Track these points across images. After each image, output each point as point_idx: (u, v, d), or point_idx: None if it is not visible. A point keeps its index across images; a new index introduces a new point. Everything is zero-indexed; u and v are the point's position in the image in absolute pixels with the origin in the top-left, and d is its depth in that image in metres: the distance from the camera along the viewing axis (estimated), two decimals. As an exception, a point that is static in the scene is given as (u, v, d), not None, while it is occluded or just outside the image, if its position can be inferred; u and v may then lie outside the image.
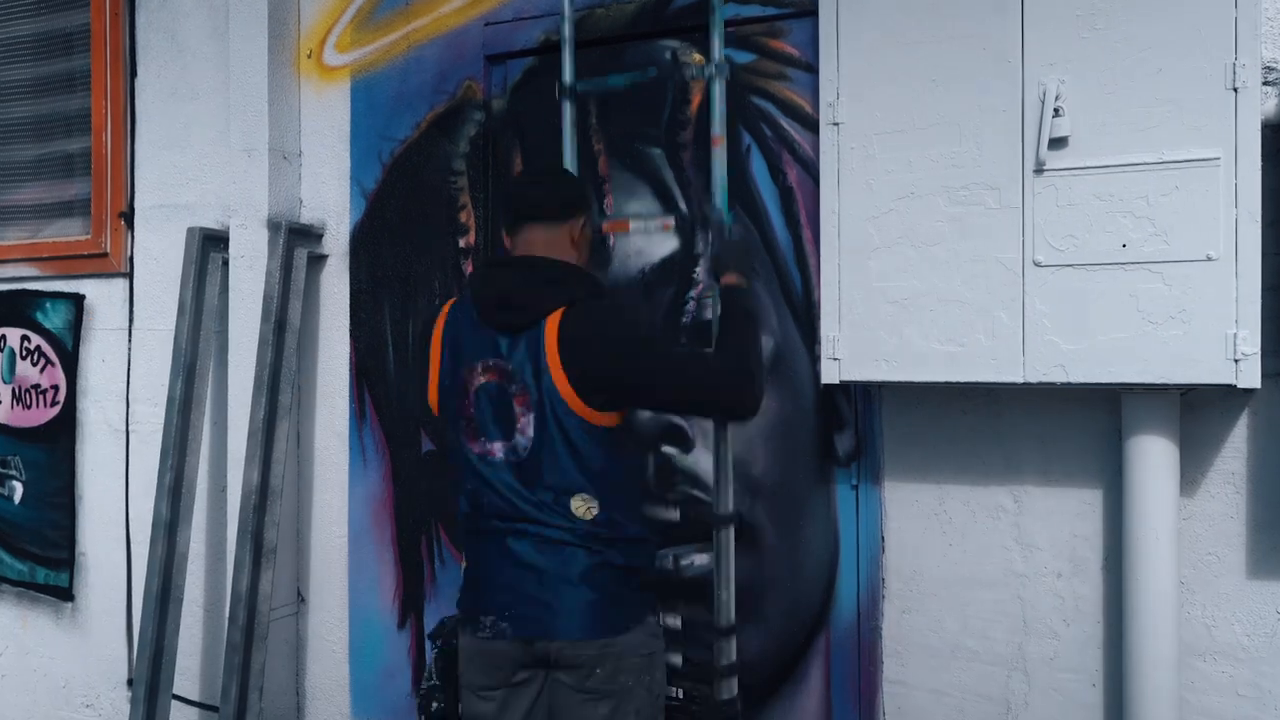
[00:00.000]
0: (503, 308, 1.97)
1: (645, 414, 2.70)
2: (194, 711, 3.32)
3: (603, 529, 1.98)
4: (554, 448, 1.95)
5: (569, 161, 2.55)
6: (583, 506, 1.97)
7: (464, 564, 2.13)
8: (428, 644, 2.05)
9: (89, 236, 3.56)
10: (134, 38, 3.49)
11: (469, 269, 2.94)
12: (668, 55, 2.71)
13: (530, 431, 1.94)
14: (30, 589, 3.69)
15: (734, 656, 2.35)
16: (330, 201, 3.17)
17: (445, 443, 2.07)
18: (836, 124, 2.29)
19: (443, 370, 2.06)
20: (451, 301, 2.13)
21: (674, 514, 2.69)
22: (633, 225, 2.65)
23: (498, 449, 1.99)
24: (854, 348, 2.27)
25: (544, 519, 1.97)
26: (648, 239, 2.73)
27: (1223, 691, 2.18)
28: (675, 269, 2.70)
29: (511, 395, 1.95)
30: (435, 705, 2.10)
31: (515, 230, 2.08)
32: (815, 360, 2.44)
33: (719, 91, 2.41)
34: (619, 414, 2.01)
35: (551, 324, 1.92)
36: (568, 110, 2.57)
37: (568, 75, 2.56)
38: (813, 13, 2.39)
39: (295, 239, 3.07)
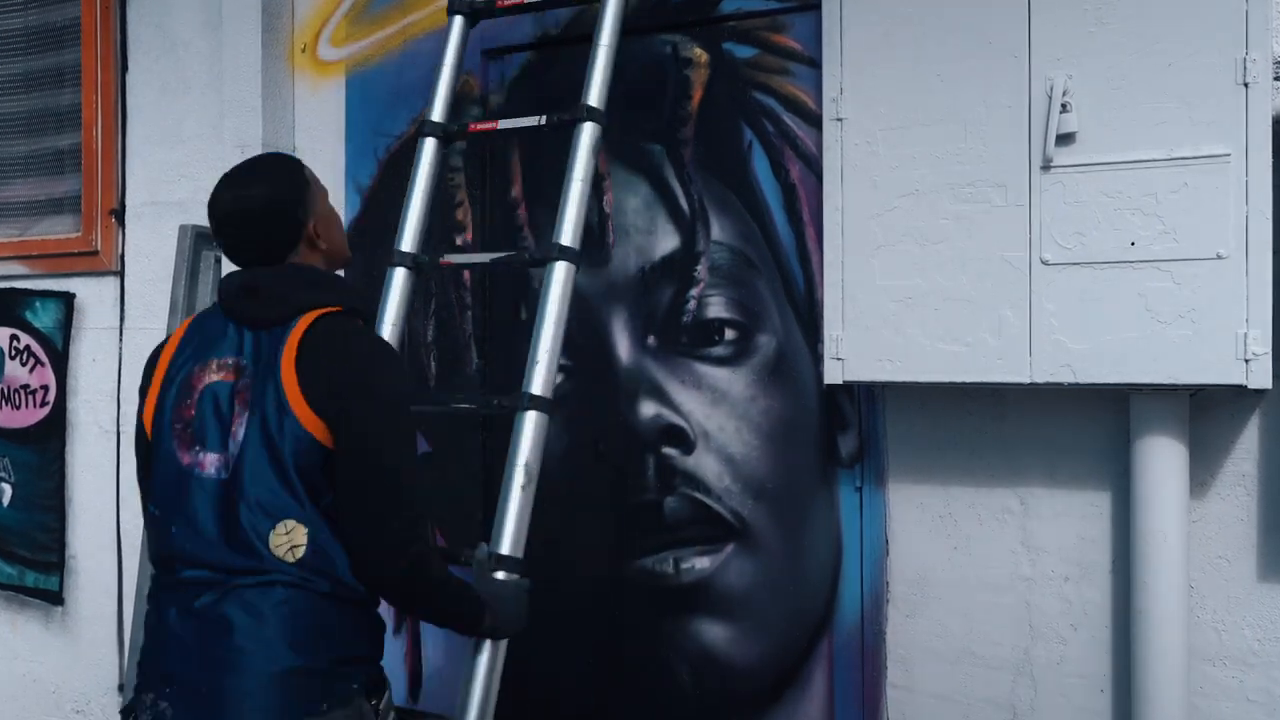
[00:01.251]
0: (249, 296, 1.73)
1: (646, 413, 2.70)
2: (186, 717, 3.32)
3: (310, 574, 1.61)
4: (263, 461, 1.63)
5: (418, 201, 2.29)
6: (284, 542, 1.61)
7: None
8: None
9: (79, 234, 3.56)
10: (125, 31, 3.48)
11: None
12: (668, 50, 2.72)
13: (240, 435, 1.64)
14: (19, 593, 3.69)
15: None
16: (325, 198, 3.17)
17: (141, 471, 1.81)
18: (840, 119, 2.29)
19: (166, 379, 1.75)
20: (193, 315, 1.92)
21: (674, 516, 2.69)
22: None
23: (210, 461, 1.66)
24: (857, 347, 2.27)
25: (238, 564, 1.61)
26: (648, 237, 2.74)
27: (1233, 697, 2.18)
28: (676, 268, 2.70)
29: (235, 393, 1.67)
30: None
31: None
32: (818, 360, 2.45)
33: (586, 137, 2.17)
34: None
35: (303, 323, 1.68)
36: (429, 149, 2.33)
37: (436, 114, 2.35)
38: (815, 6, 2.39)
39: (289, 237, 3.07)
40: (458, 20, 2.44)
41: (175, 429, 1.71)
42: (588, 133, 2.16)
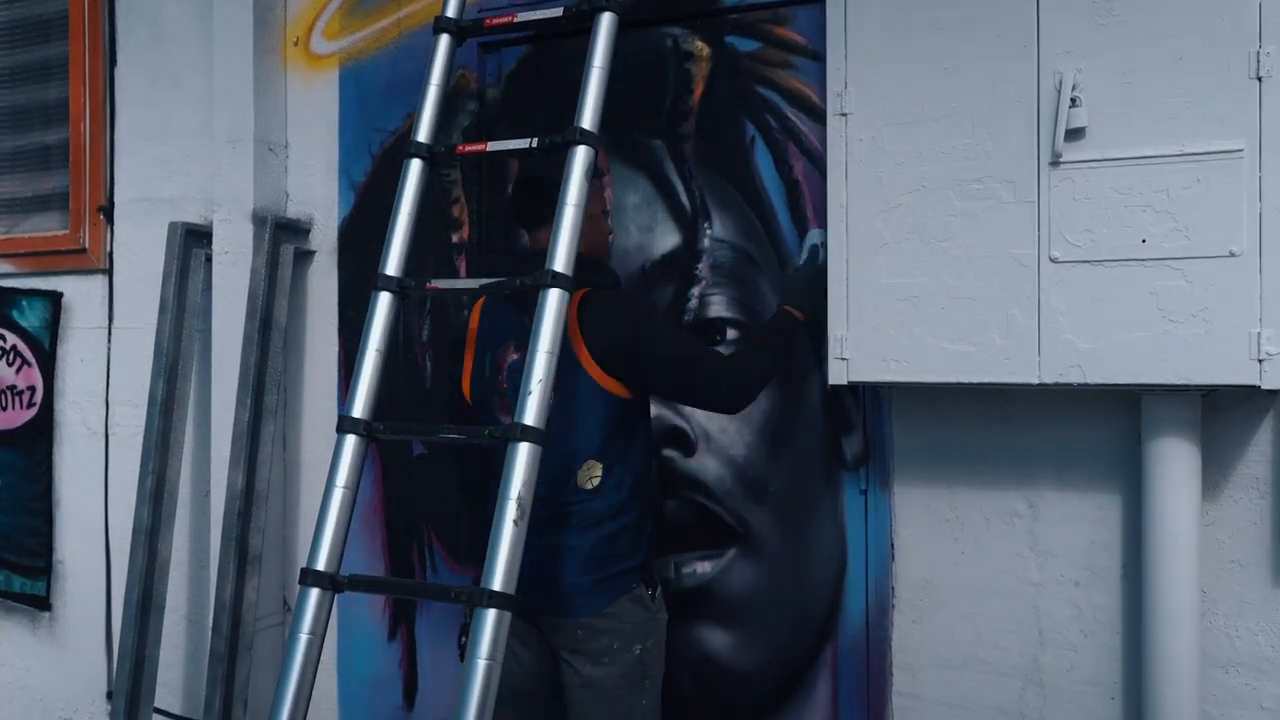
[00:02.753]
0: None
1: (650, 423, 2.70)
2: (176, 725, 3.32)
3: (598, 503, 2.22)
4: (568, 413, 2.20)
5: (403, 224, 2.29)
6: (586, 475, 2.23)
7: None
8: None
9: (67, 231, 3.56)
10: (114, 24, 3.49)
11: (462, 265, 2.94)
12: (669, 43, 2.72)
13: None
14: (6, 598, 3.69)
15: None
16: (318, 195, 3.17)
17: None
18: (844, 114, 2.29)
19: (476, 359, 2.33)
20: (482, 299, 2.41)
21: (675, 519, 2.69)
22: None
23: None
24: (862, 347, 2.27)
25: (546, 494, 2.18)
26: (648, 234, 2.74)
27: (1246, 704, 2.18)
28: (677, 266, 2.70)
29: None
30: None
31: (530, 229, 2.40)
32: (822, 360, 2.44)
33: (580, 161, 2.17)
34: (631, 389, 2.24)
35: (574, 301, 2.20)
36: (414, 170, 2.34)
37: (422, 135, 2.34)
38: (820, -1, 2.39)
39: (281, 234, 3.07)
40: (444, 39, 2.43)
41: (494, 401, 2.30)
42: (581, 156, 2.16)
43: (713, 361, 2.28)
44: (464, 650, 2.27)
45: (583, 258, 2.17)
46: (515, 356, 2.29)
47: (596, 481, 2.24)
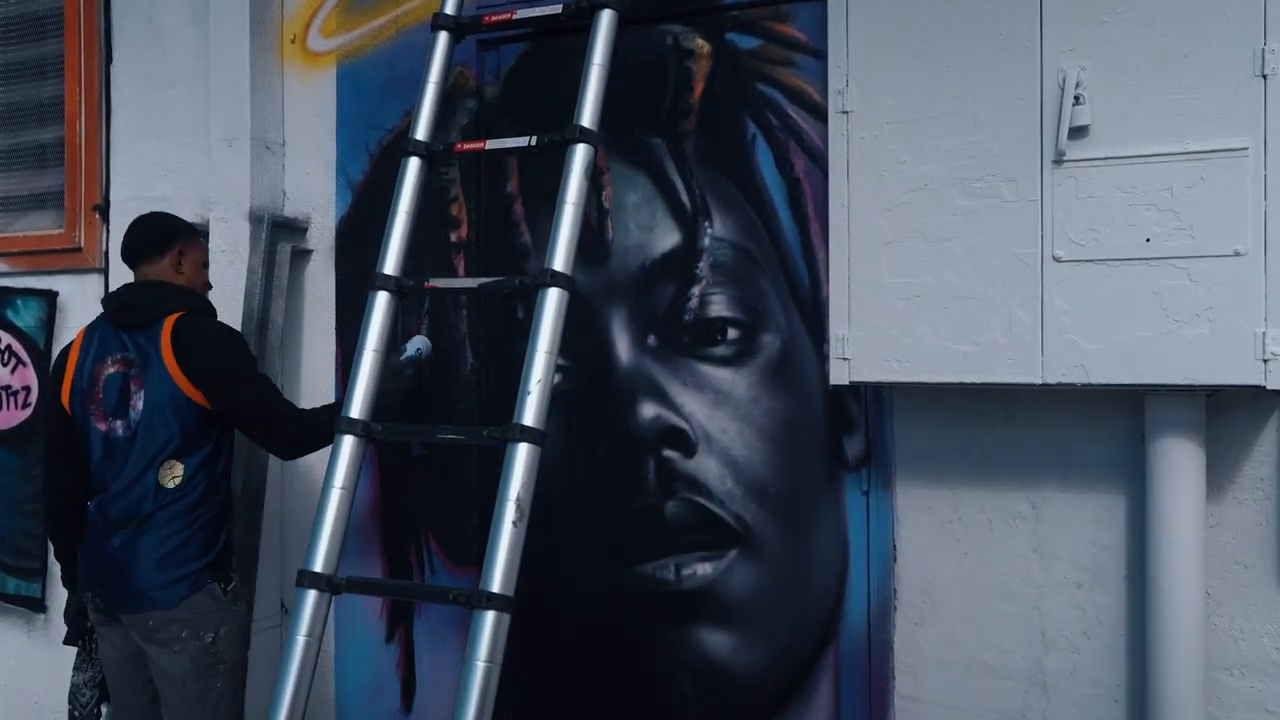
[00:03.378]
0: (128, 311, 2.58)
1: (646, 415, 2.70)
2: (172, 728, 3.32)
3: (176, 505, 2.49)
4: (155, 417, 2.50)
5: (401, 222, 2.33)
6: (168, 475, 2.49)
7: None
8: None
9: (62, 230, 3.56)
10: (109, 21, 3.49)
11: (461, 264, 2.94)
12: (669, 40, 2.72)
13: (140, 406, 2.51)
14: (1, 600, 3.69)
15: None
16: (315, 194, 3.17)
17: (56, 436, 2.68)
18: (846, 112, 2.29)
19: (77, 372, 2.61)
20: (87, 326, 2.69)
21: (675, 521, 2.69)
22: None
23: (119, 426, 2.53)
24: (864, 347, 2.27)
25: (124, 497, 2.51)
26: (648, 233, 2.74)
27: (1251, 707, 2.18)
28: (677, 265, 2.70)
29: (130, 378, 2.53)
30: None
31: (132, 266, 2.69)
32: (823, 360, 2.45)
33: (579, 159, 2.20)
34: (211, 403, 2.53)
35: (168, 323, 2.53)
36: (413, 169, 2.35)
37: (421, 133, 2.37)
38: (821, -5, 2.39)
39: (278, 233, 3.08)
40: (442, 36, 2.44)
41: (90, 409, 2.57)
42: (580, 154, 2.16)
43: (286, 405, 2.58)
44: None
45: (183, 289, 2.61)
46: (112, 370, 2.55)
47: (177, 481, 2.49)
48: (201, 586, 2.50)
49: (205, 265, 2.80)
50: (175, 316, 2.55)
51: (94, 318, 2.71)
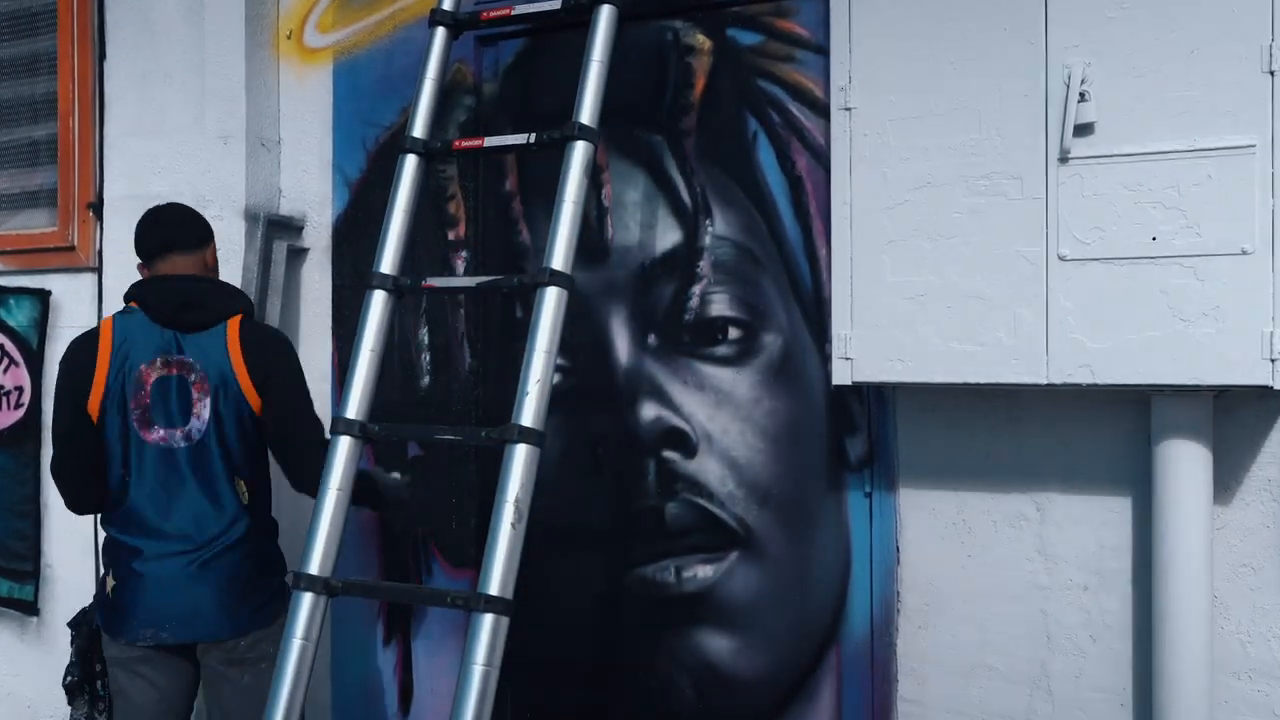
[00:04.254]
0: (190, 309, 2.40)
1: (647, 416, 2.70)
2: (167, 733, 3.32)
3: (250, 520, 2.41)
4: (227, 428, 2.37)
5: (398, 220, 2.33)
6: (243, 489, 2.40)
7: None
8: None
9: (55, 229, 3.56)
10: (103, 17, 3.48)
11: (458, 263, 2.94)
12: (669, 36, 2.72)
13: (205, 414, 2.36)
14: (-7, 603, 3.69)
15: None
16: (311, 191, 3.17)
17: (78, 446, 2.43)
18: (848, 109, 2.29)
19: (110, 375, 2.38)
20: (109, 318, 2.47)
21: (675, 522, 2.69)
22: None
23: (178, 436, 2.37)
24: (867, 347, 2.27)
25: (191, 517, 2.37)
26: (649, 231, 2.74)
27: (1259, 711, 2.18)
28: (677, 264, 2.70)
29: (191, 383, 2.37)
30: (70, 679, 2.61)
31: (159, 257, 2.48)
32: (826, 360, 2.45)
33: (578, 157, 2.20)
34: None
35: (233, 325, 2.40)
36: (410, 166, 2.36)
37: (418, 130, 2.38)
38: (823, -9, 2.39)
39: (274, 231, 3.08)
40: (439, 32, 2.44)
41: (134, 415, 2.37)
42: (579, 152, 2.16)
43: (319, 436, 2.42)
44: (73, 703, 2.57)
45: (236, 288, 2.51)
46: (164, 372, 2.37)
47: (247, 498, 2.40)
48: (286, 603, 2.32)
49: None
50: (238, 318, 2.42)
51: (116, 312, 2.50)
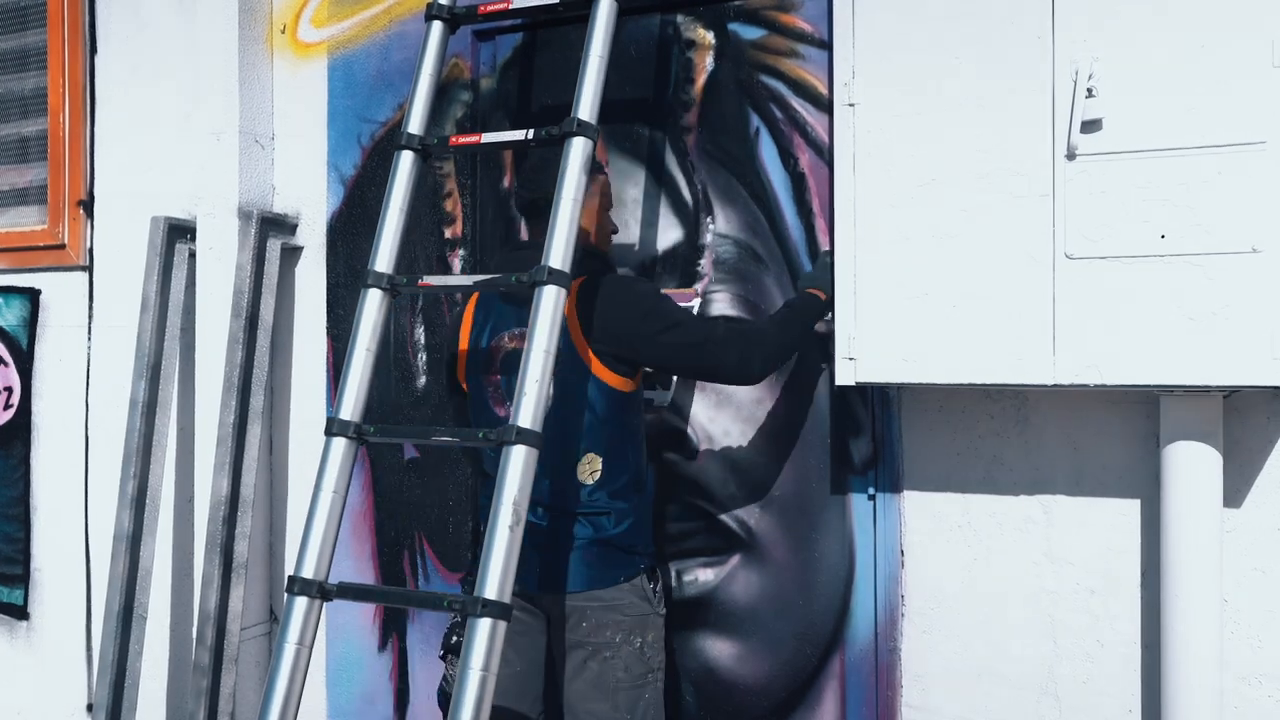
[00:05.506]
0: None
1: (646, 417, 2.70)
2: (158, 739, 3.33)
3: (600, 495, 2.27)
4: (568, 406, 2.25)
5: (393, 218, 2.30)
6: (587, 470, 2.26)
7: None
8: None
9: (45, 226, 3.56)
10: (93, 12, 3.49)
11: (455, 261, 2.95)
12: (670, 31, 2.72)
13: (549, 391, 2.18)
14: (-18, 607, 3.70)
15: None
16: (306, 189, 3.18)
17: (462, 420, 2.46)
18: (852, 105, 2.29)
19: (470, 348, 2.39)
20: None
21: (676, 525, 2.69)
22: None
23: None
24: (871, 347, 2.27)
25: (546, 486, 2.27)
26: (649, 229, 2.74)
27: (1269, 717, 2.18)
28: (678, 262, 2.71)
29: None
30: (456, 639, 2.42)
31: (528, 220, 2.42)
32: (829, 360, 2.45)
33: (577, 153, 2.18)
34: (633, 381, 2.29)
35: (572, 291, 2.21)
36: (406, 162, 2.34)
37: (414, 126, 2.36)
38: (826, -15, 2.39)
39: (268, 229, 3.08)
40: (436, 27, 2.44)
41: (488, 392, 2.35)
42: (578, 148, 2.16)
43: (718, 328, 2.31)
44: (445, 656, 2.42)
45: (582, 249, 2.25)
46: (510, 347, 2.33)
47: (597, 476, 2.26)
48: (633, 578, 2.29)
49: (607, 209, 2.47)
50: (579, 281, 2.26)
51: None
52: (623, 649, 2.26)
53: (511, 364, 2.27)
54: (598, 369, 2.24)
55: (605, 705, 2.26)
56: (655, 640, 2.33)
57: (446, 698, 2.43)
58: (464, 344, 2.41)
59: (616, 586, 2.27)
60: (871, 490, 2.50)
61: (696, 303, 2.64)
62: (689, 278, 2.69)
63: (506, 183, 2.93)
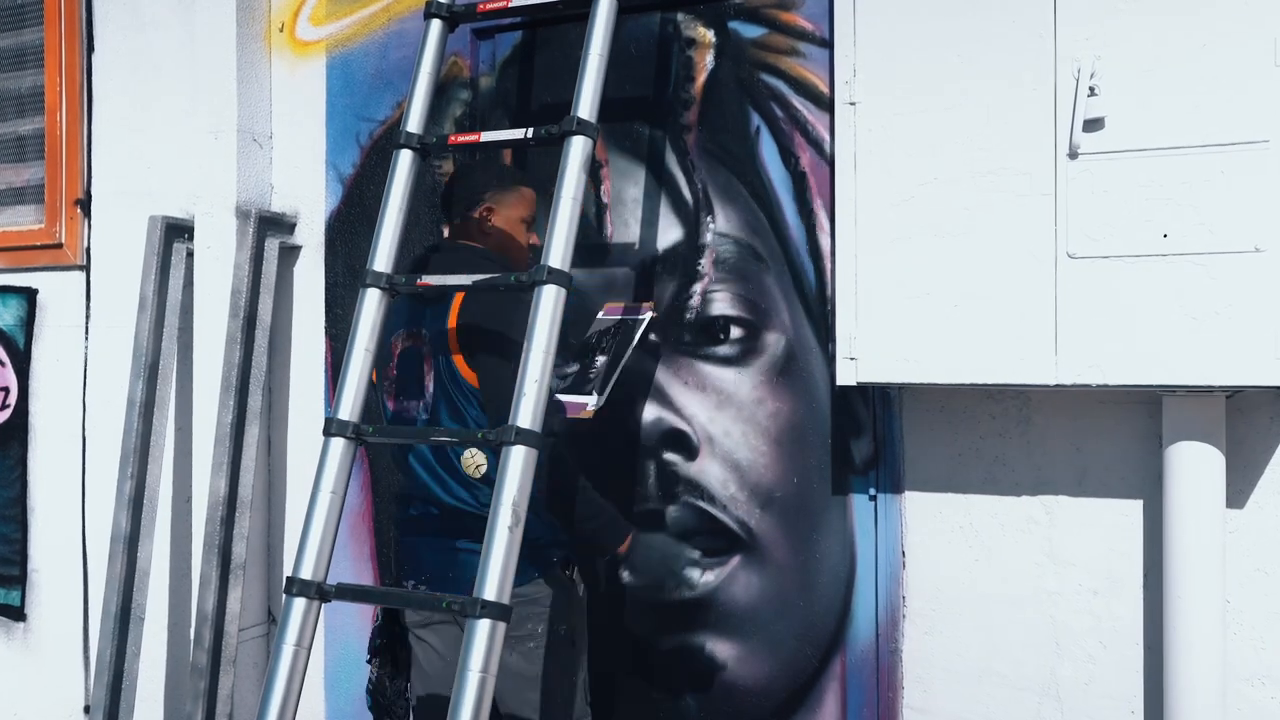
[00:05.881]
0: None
1: (647, 417, 2.70)
2: (156, 741, 3.33)
3: (487, 491, 2.21)
4: (444, 405, 2.29)
5: (392, 217, 2.31)
6: (471, 464, 2.28)
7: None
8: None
9: (42, 226, 3.56)
10: (91, 9, 3.49)
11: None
12: (670, 29, 2.72)
13: (431, 388, 2.31)
14: (-22, 608, 3.70)
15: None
16: (304, 188, 3.17)
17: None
18: (853, 103, 2.29)
19: (380, 341, 2.36)
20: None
21: (676, 526, 2.69)
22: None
23: (413, 407, 2.34)
24: (872, 346, 2.27)
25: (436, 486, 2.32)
26: (649, 229, 2.74)
27: (1272, 718, 2.18)
28: (678, 262, 2.71)
29: (423, 356, 2.33)
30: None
31: (448, 223, 2.50)
32: (830, 360, 2.45)
33: (577, 152, 2.18)
34: None
35: (458, 298, 2.29)
36: (405, 161, 2.34)
37: (413, 124, 2.35)
38: (827, -17, 2.39)
39: (266, 228, 3.08)
40: (435, 25, 2.43)
41: (383, 385, 2.39)
42: (578, 147, 2.16)
43: (541, 397, 2.12)
44: (371, 660, 2.51)
45: (470, 251, 2.36)
46: (406, 344, 2.36)
47: (483, 470, 2.26)
48: (549, 572, 2.31)
49: (527, 222, 2.49)
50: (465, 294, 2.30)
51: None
52: (545, 638, 2.30)
53: (403, 363, 2.35)
54: (461, 366, 2.25)
55: (534, 694, 2.30)
56: (579, 624, 2.39)
57: (374, 701, 2.56)
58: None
59: (534, 582, 2.28)
60: (873, 491, 2.50)
61: (648, 316, 2.63)
62: (689, 277, 2.69)
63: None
